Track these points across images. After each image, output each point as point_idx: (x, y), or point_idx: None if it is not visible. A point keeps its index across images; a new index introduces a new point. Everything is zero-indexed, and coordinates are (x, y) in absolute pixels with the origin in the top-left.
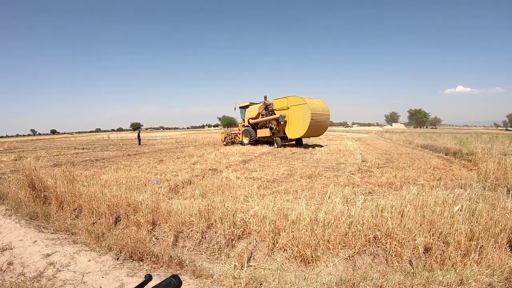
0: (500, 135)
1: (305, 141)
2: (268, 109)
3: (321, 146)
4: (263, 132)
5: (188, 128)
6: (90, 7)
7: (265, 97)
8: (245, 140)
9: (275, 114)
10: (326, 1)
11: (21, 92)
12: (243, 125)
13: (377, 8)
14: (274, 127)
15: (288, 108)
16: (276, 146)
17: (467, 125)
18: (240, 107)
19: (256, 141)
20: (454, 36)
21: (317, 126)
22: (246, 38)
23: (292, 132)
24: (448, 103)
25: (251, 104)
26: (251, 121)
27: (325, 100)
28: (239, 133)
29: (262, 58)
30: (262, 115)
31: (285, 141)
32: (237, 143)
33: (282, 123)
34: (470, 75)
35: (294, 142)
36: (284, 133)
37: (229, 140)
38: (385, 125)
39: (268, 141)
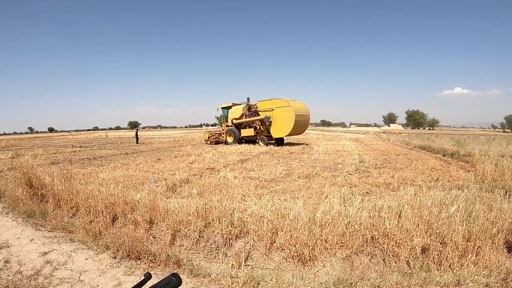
0: (497, 136)
1: (291, 140)
2: (251, 110)
3: (300, 144)
4: (247, 132)
5: (186, 127)
6: (88, 7)
7: (248, 99)
8: (229, 140)
9: (259, 115)
10: (324, 2)
11: (19, 90)
12: (227, 125)
13: (375, 9)
14: (258, 127)
15: (273, 110)
16: (261, 144)
17: (465, 126)
18: (222, 108)
19: (240, 140)
20: (453, 37)
21: (300, 126)
22: (244, 39)
23: (277, 131)
24: (446, 104)
25: (234, 105)
26: (234, 121)
27: (323, 102)
28: (223, 133)
29: (261, 59)
30: (246, 115)
31: (269, 140)
32: (221, 143)
33: (267, 123)
34: (468, 76)
35: (274, 141)
36: (268, 133)
37: (213, 140)
38: (382, 126)
39: (251, 140)
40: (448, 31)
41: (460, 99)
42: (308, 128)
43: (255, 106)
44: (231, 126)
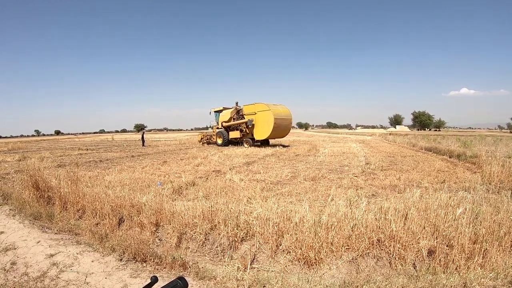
0: (504, 137)
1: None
2: (239, 113)
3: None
4: (234, 134)
5: (192, 129)
6: (95, 9)
7: (237, 103)
8: (219, 141)
9: (244, 118)
10: (327, 2)
11: (26, 93)
12: (217, 128)
13: (380, 10)
14: (244, 130)
15: (256, 114)
16: (247, 146)
17: (471, 127)
18: (215, 111)
19: (229, 142)
20: (458, 38)
21: (280, 129)
22: (251, 40)
23: (259, 134)
24: (452, 105)
25: (225, 108)
26: (224, 124)
27: (329, 103)
28: (214, 135)
29: (266, 60)
30: (234, 119)
31: (254, 142)
32: (213, 143)
33: (250, 126)
34: (474, 77)
35: (259, 143)
36: (252, 135)
37: (205, 141)
38: (389, 128)
39: (238, 142)
40: (454, 32)
41: (466, 100)
42: (314, 130)
43: (242, 110)
44: (220, 128)
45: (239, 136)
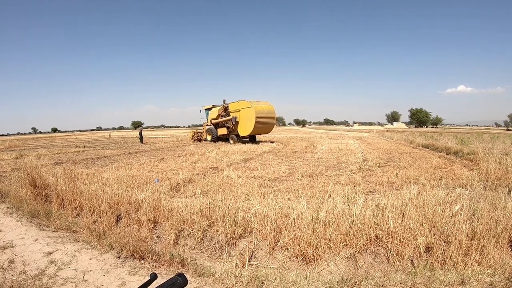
0: (501, 134)
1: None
2: (226, 111)
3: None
4: (222, 131)
5: (189, 126)
6: (88, 7)
7: (224, 101)
8: (208, 138)
9: (230, 116)
10: (326, 1)
11: (22, 91)
12: (207, 125)
13: (378, 8)
14: (231, 127)
15: (239, 111)
16: (232, 142)
17: (468, 124)
18: (205, 109)
19: (217, 139)
20: (456, 36)
21: (263, 126)
22: (246, 37)
23: (243, 130)
24: (449, 102)
25: (214, 106)
26: (213, 121)
27: (326, 100)
28: (204, 132)
29: (262, 58)
30: (221, 116)
31: (239, 138)
32: (203, 140)
33: (233, 123)
34: (471, 74)
35: (247, 139)
36: (237, 132)
37: (196, 138)
38: (386, 124)
39: (226, 138)
40: (450, 29)
41: (463, 97)
42: (311, 127)
43: (228, 107)
44: (210, 125)
45: (226, 133)
